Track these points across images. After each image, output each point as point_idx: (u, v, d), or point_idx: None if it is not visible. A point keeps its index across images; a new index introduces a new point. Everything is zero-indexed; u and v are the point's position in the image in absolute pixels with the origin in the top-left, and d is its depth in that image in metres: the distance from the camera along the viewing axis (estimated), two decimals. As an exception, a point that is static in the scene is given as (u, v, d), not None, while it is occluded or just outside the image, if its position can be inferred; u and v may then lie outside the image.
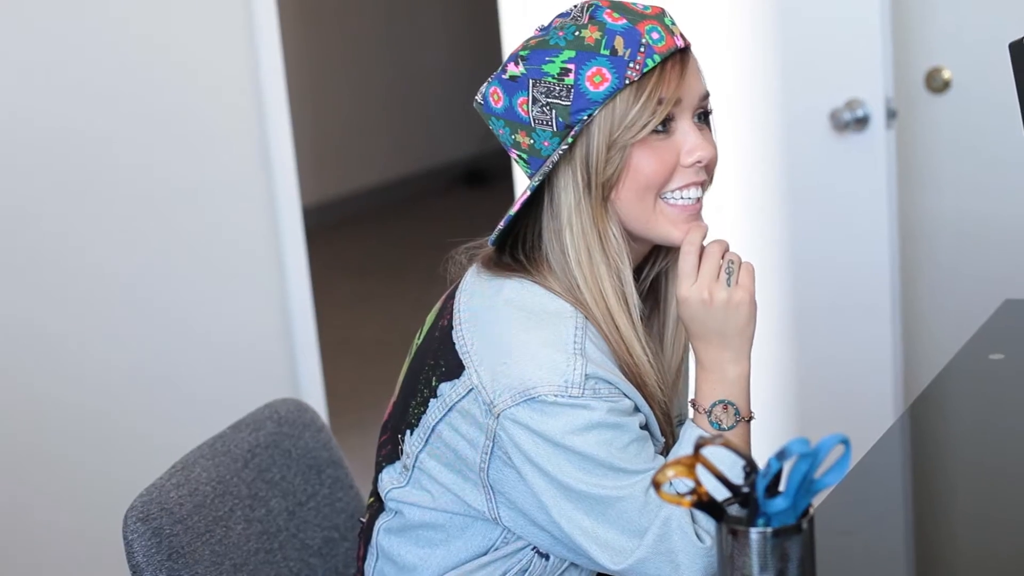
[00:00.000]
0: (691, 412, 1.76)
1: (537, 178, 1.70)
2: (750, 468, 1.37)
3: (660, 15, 1.71)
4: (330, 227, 7.50)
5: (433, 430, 1.76)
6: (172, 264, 3.49)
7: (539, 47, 1.69)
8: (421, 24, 8.65)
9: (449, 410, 1.74)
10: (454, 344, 1.74)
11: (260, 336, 3.72)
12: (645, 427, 1.73)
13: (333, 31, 8.07)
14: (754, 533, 1.35)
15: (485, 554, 1.79)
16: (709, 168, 1.75)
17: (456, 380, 1.73)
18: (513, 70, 1.70)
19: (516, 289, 1.74)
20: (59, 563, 3.24)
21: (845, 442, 1.34)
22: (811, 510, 1.37)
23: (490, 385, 1.69)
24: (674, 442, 1.81)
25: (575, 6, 1.73)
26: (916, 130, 3.50)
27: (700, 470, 1.34)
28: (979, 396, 2.29)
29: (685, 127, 1.71)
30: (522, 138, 1.71)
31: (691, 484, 1.35)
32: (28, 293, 3.18)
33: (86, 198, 3.28)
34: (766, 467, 1.34)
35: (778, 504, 1.35)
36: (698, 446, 1.35)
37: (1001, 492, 1.91)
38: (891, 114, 3.21)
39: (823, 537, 1.51)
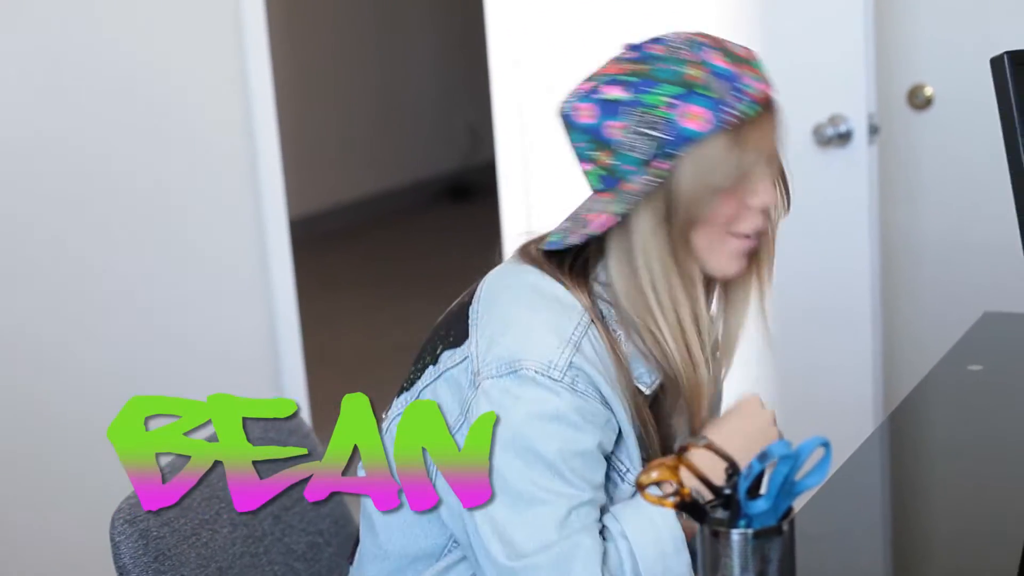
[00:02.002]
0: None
1: (625, 206, 1.70)
2: (732, 470, 1.39)
3: (755, 61, 1.74)
4: (315, 240, 7.50)
5: (419, 394, 1.79)
6: (159, 275, 3.50)
7: (642, 75, 1.68)
8: (409, 39, 8.66)
9: (439, 376, 1.76)
10: (468, 316, 1.77)
11: (246, 346, 3.73)
12: (610, 455, 1.74)
13: (321, 45, 8.09)
14: (735, 535, 1.37)
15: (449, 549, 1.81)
16: (770, 218, 1.81)
17: (457, 348, 1.76)
18: (613, 93, 1.69)
19: (538, 275, 1.77)
20: (46, 565, 3.24)
21: (826, 445, 1.36)
22: (792, 512, 1.39)
23: (483, 354, 1.71)
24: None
25: (675, 36, 1.73)
26: (898, 145, 3.53)
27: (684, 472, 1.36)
28: (958, 406, 2.32)
29: (762, 172, 1.75)
30: (604, 157, 1.71)
31: (675, 486, 1.37)
32: (17, 302, 3.19)
33: (74, 209, 3.29)
34: (748, 469, 1.36)
35: (759, 506, 1.37)
36: (681, 449, 1.37)
37: (978, 500, 1.93)
38: (873, 130, 3.23)
39: (801, 542, 1.53)
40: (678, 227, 1.72)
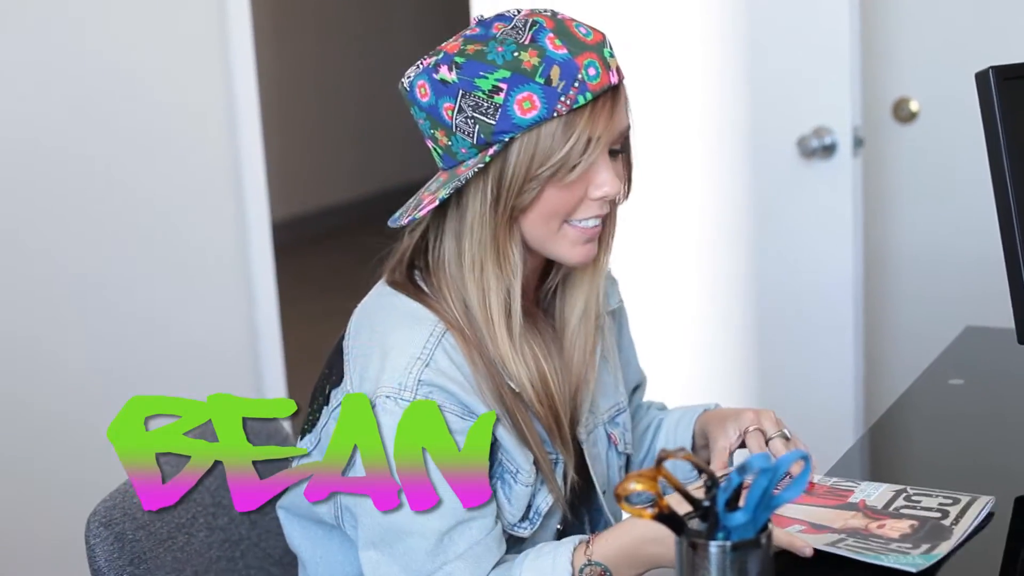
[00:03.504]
0: (575, 541, 1.71)
1: (449, 190, 1.68)
2: (711, 482, 1.38)
3: (600, 45, 1.68)
4: (297, 243, 7.49)
5: (320, 435, 1.77)
6: (142, 276, 3.49)
7: (476, 58, 1.64)
8: (392, 43, 8.66)
9: (331, 416, 1.75)
10: (343, 352, 1.77)
11: (227, 349, 3.73)
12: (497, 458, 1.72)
13: (305, 49, 8.08)
14: (713, 547, 1.36)
15: None
16: (614, 201, 1.76)
17: (339, 387, 1.75)
18: (446, 74, 1.66)
19: (393, 295, 1.77)
20: (21, 567, 3.23)
21: (805, 458, 1.36)
22: (770, 525, 1.38)
23: (358, 390, 1.70)
24: (570, 456, 1.80)
25: (518, 15, 1.69)
26: (882, 159, 3.53)
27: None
28: (938, 420, 2.31)
29: (600, 162, 1.70)
30: (440, 136, 1.69)
31: (652, 496, 1.36)
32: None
33: (58, 213, 3.29)
34: (727, 481, 1.36)
35: (738, 518, 1.36)
36: (660, 459, 1.36)
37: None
38: (858, 142, 3.23)
39: (780, 555, 1.52)
40: (502, 214, 1.69)
